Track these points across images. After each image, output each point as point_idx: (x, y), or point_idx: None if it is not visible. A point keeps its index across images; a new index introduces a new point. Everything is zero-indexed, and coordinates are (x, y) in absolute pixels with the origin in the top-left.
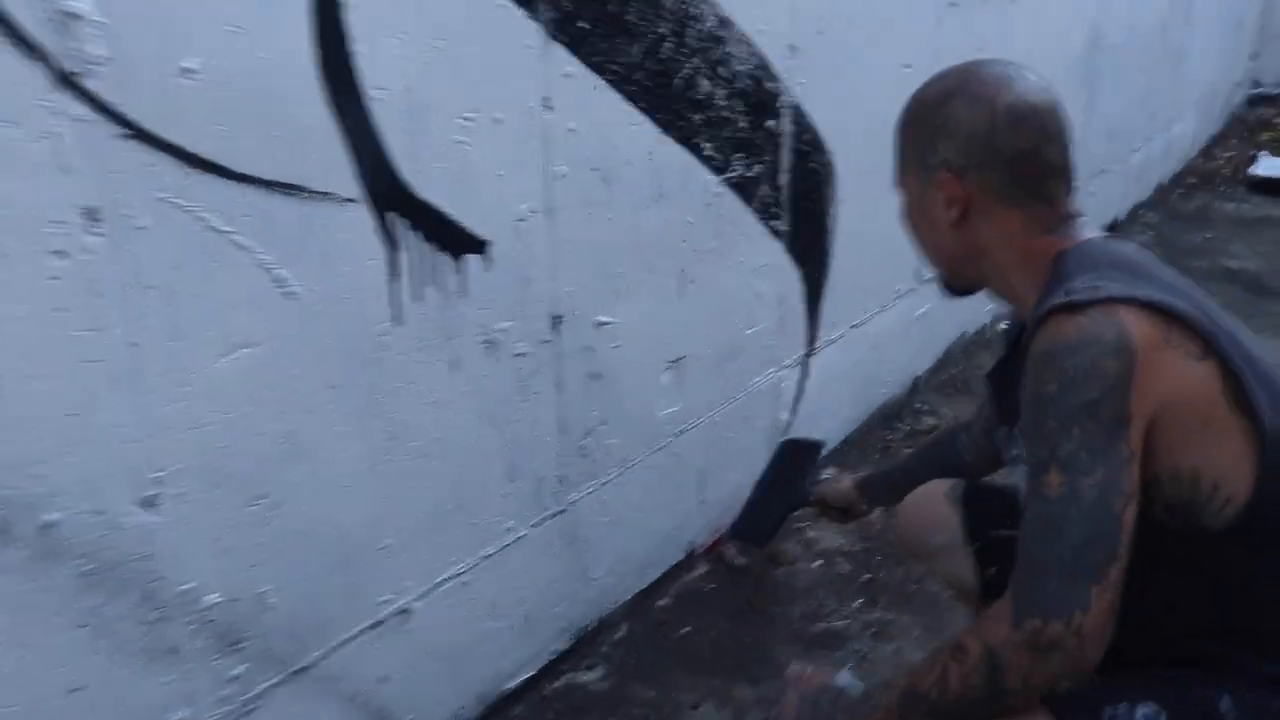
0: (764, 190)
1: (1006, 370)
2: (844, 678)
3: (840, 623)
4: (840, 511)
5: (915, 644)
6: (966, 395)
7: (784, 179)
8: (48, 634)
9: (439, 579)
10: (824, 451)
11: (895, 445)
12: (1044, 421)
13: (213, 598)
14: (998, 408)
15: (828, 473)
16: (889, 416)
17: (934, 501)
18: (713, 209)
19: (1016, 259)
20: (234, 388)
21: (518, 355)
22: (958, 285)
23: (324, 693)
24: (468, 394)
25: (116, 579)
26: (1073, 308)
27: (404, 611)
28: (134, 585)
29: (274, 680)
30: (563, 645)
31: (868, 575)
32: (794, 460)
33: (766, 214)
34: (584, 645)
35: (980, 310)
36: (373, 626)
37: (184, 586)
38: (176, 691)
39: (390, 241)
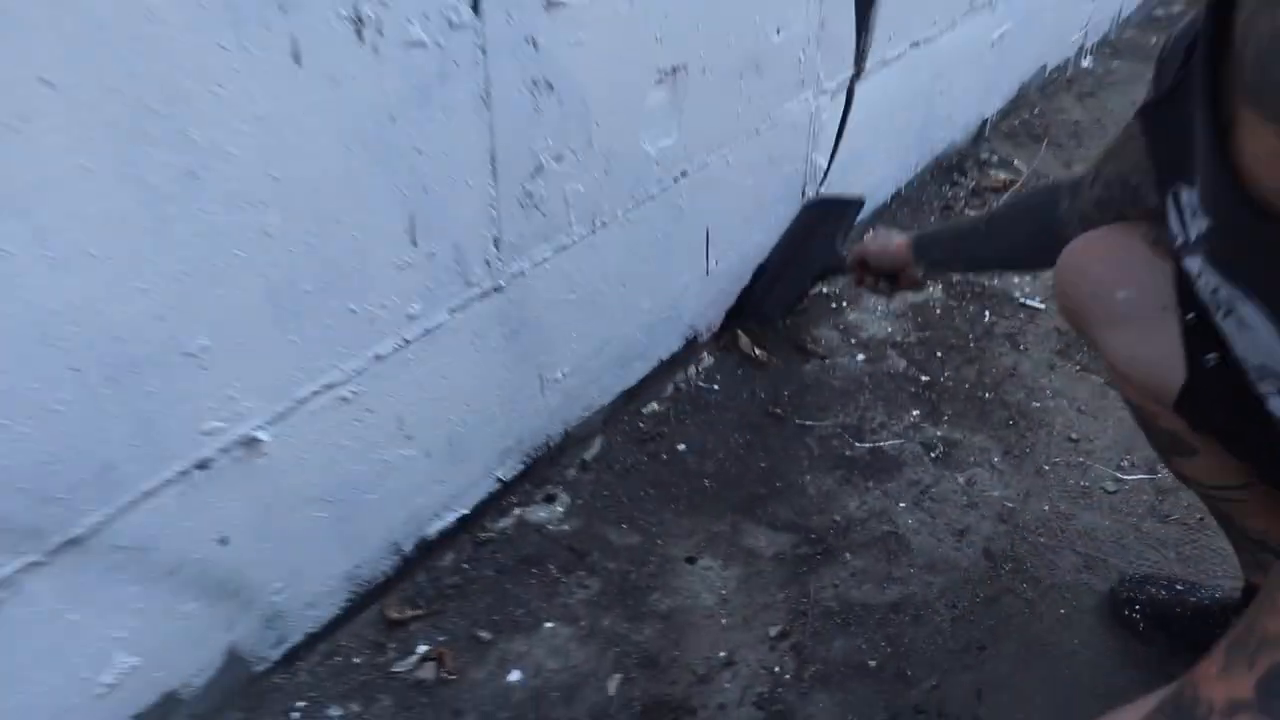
0: None
1: (1173, 103)
2: None
3: (891, 441)
4: (886, 279)
5: (994, 475)
6: (1045, 146)
7: None
8: None
9: (301, 393)
10: (865, 210)
11: (956, 205)
12: None
13: None
14: (1159, 161)
15: (871, 233)
16: (949, 168)
17: (1128, 242)
18: None
19: None
20: None
21: (413, 45)
22: None
23: (121, 570)
24: (325, 105)
25: None
26: None
27: (247, 443)
28: None
29: (24, 563)
30: (509, 472)
31: (926, 378)
32: (823, 221)
33: None
34: (541, 469)
35: (1065, 40)
36: (196, 468)
37: None
38: None
39: None
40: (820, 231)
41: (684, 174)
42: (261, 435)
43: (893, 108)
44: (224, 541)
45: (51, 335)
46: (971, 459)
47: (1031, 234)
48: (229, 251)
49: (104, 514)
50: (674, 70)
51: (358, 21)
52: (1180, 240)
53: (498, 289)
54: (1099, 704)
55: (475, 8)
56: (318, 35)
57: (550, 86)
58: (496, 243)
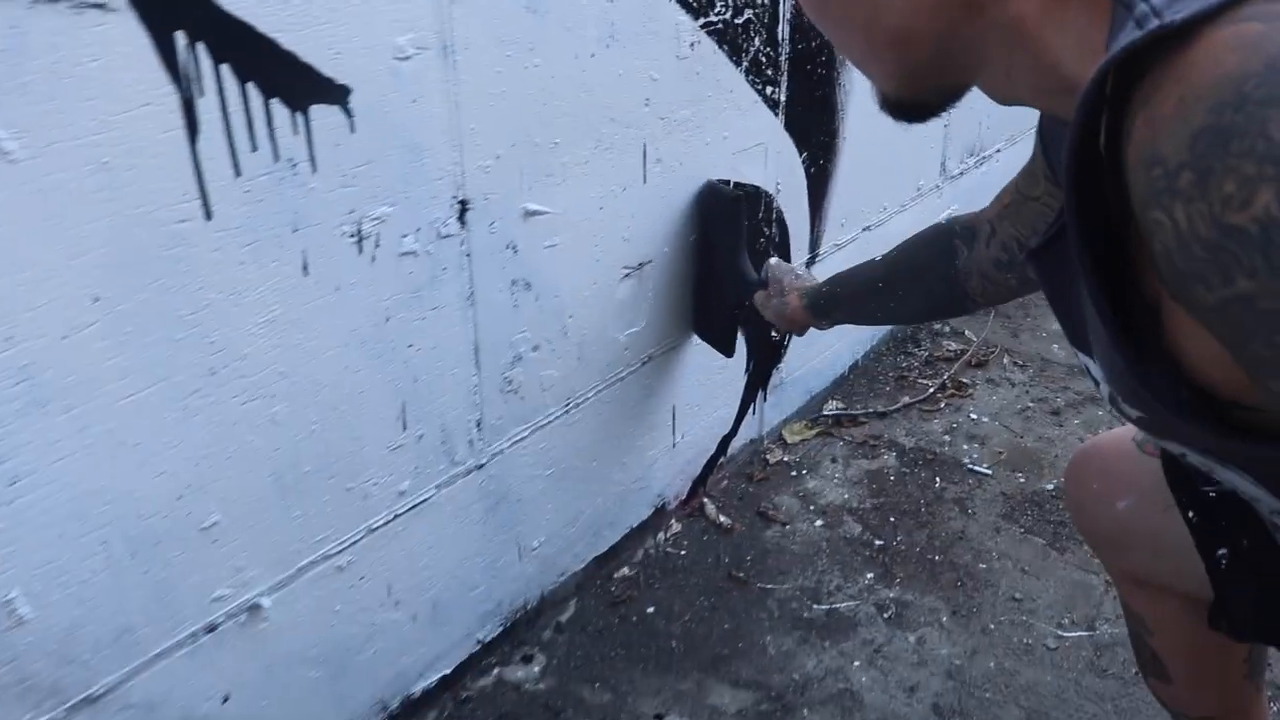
0: (757, 45)
1: (1054, 254)
2: None
3: (847, 603)
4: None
5: (943, 634)
6: (992, 317)
7: (784, 31)
8: None
9: (300, 563)
10: (824, 380)
11: (911, 376)
12: None
13: None
14: (1058, 314)
15: (770, 266)
16: (903, 339)
17: (1118, 447)
18: (688, 64)
19: None
20: None
21: (405, 255)
22: (921, 91)
23: None
24: (328, 309)
25: None
26: (1209, 18)
27: (251, 609)
28: None
29: (45, 718)
30: (489, 634)
31: (880, 542)
32: (717, 208)
33: (760, 76)
34: (519, 631)
35: None
36: (204, 632)
37: None
38: None
39: (181, 77)
40: (720, 219)
41: (650, 357)
42: (264, 601)
43: None
44: (226, 700)
45: (85, 513)
46: (922, 619)
47: (932, 289)
48: (241, 438)
49: (119, 674)
50: (640, 265)
51: (359, 237)
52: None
53: (479, 466)
54: None
55: (461, 220)
56: (324, 249)
57: (528, 285)
58: (479, 425)
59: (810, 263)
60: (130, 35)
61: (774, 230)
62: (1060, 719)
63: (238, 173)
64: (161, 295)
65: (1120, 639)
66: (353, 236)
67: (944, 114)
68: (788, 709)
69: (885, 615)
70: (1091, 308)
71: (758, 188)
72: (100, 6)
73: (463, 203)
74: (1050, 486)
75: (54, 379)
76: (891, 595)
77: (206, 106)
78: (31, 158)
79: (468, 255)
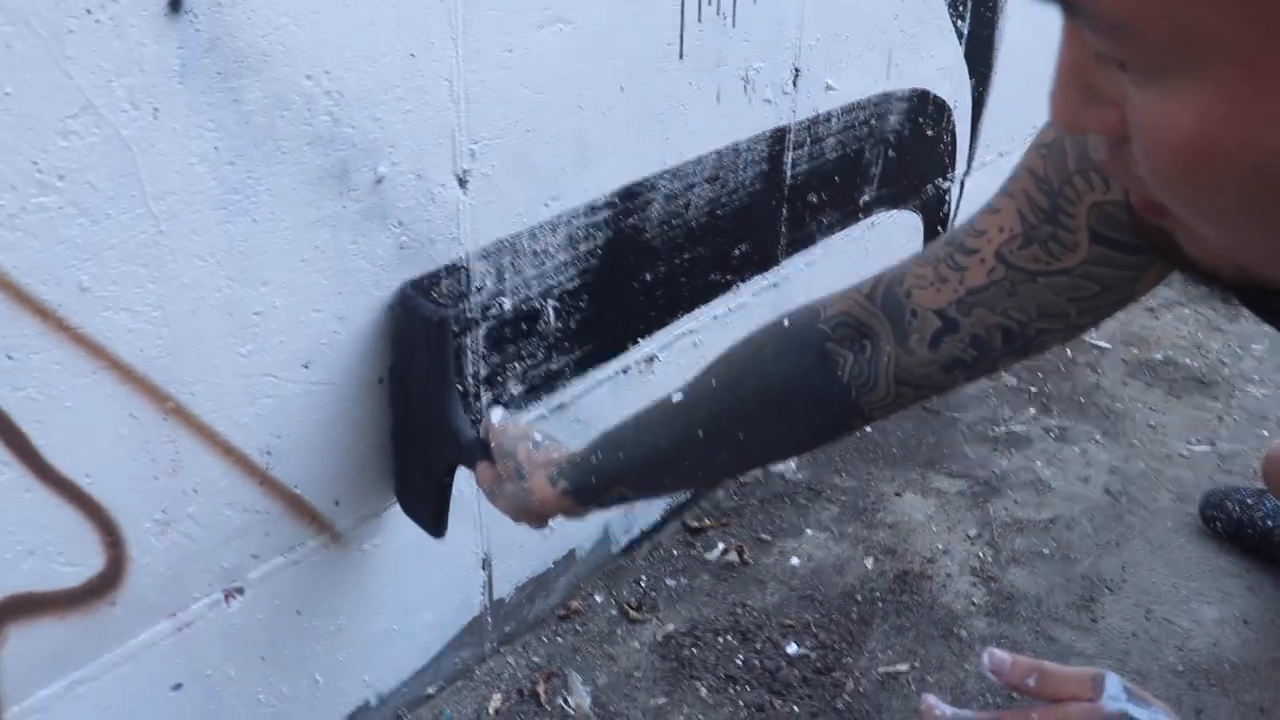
0: None
1: None
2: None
3: (1020, 427)
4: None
5: (1099, 447)
6: None
7: None
8: (364, 311)
9: (679, 331)
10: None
11: None
12: None
13: (505, 302)
14: None
15: (494, 430)
16: None
17: None
18: None
19: None
20: (546, 66)
21: (766, 101)
22: None
23: (574, 436)
24: (726, 130)
25: (425, 259)
26: None
27: (649, 359)
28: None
29: (541, 413)
30: None
31: (1034, 389)
32: (414, 333)
33: (955, 11)
34: None
35: None
36: (622, 372)
37: (479, 283)
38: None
39: None
40: (418, 349)
41: (874, 225)
42: (659, 356)
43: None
44: None
45: (576, 241)
46: (1081, 437)
47: (798, 419)
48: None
49: (581, 387)
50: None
51: (746, 82)
52: None
53: (775, 285)
54: (1204, 577)
55: (794, 84)
56: (728, 86)
57: (819, 140)
58: (780, 250)
59: (966, 175)
60: None
61: (948, 140)
62: (1199, 498)
63: (699, 18)
64: (649, 98)
65: (1236, 451)
66: (743, 79)
67: None
68: (994, 490)
69: (1051, 435)
70: None
71: (452, 316)
72: None
73: (796, 70)
74: (1159, 357)
75: (593, 142)
76: (1053, 423)
77: None
78: None
79: (793, 110)
